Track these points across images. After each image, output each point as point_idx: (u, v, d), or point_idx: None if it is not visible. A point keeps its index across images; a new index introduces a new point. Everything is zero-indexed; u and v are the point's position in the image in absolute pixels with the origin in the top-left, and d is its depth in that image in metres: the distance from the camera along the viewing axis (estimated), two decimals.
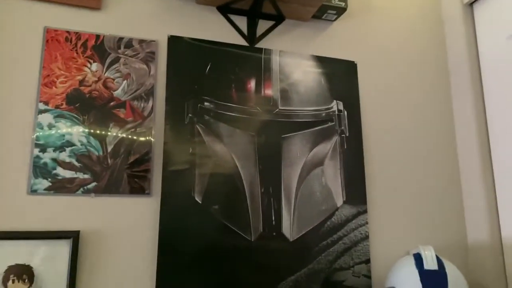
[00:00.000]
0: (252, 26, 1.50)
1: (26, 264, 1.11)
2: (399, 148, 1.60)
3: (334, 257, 1.40)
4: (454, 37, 1.74)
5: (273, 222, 1.35)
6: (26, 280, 1.10)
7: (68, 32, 1.29)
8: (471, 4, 1.71)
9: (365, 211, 1.47)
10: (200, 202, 1.29)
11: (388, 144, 1.59)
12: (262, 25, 1.52)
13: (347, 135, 1.51)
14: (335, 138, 1.49)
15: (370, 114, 1.59)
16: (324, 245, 1.39)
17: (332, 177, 1.46)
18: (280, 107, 1.45)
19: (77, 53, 1.29)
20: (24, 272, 1.11)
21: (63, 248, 1.15)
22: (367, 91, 1.61)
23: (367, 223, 1.47)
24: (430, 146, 1.65)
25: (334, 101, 1.53)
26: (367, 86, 1.61)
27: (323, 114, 1.50)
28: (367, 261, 1.43)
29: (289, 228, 1.36)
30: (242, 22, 1.50)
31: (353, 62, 1.61)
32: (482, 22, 1.66)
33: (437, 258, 1.32)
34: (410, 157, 1.61)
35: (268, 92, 1.46)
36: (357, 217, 1.46)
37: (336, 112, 1.52)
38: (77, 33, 1.30)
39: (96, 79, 1.29)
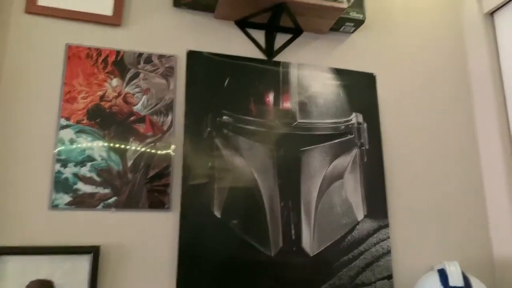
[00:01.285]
0: (270, 39, 1.50)
1: (48, 279, 1.12)
2: (421, 160, 1.58)
3: (355, 273, 1.37)
4: (475, 47, 1.71)
5: (293, 237, 1.33)
6: None
7: (89, 48, 1.31)
8: (491, 14, 1.68)
9: (387, 225, 1.45)
10: (219, 216, 1.28)
11: (409, 157, 1.56)
12: (280, 38, 1.52)
13: (367, 147, 1.49)
14: (355, 151, 1.48)
15: (390, 126, 1.57)
16: (345, 260, 1.37)
17: (352, 190, 1.44)
18: (299, 120, 1.44)
19: (97, 69, 1.30)
20: (45, 287, 1.11)
21: (84, 263, 1.15)
22: (386, 103, 1.59)
23: (389, 237, 1.44)
24: (452, 159, 1.62)
25: (354, 113, 1.52)
26: (386, 98, 1.59)
27: (342, 127, 1.49)
28: (389, 277, 1.40)
29: (309, 243, 1.34)
30: (260, 35, 1.51)
31: (371, 74, 1.59)
32: (503, 31, 1.63)
33: (463, 274, 1.28)
34: (432, 170, 1.58)
35: (287, 105, 1.45)
36: (379, 231, 1.43)
37: (356, 125, 1.50)
38: (97, 49, 1.32)
39: (116, 94, 1.30)
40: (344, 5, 1.41)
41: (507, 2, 1.60)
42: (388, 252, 1.42)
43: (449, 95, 1.69)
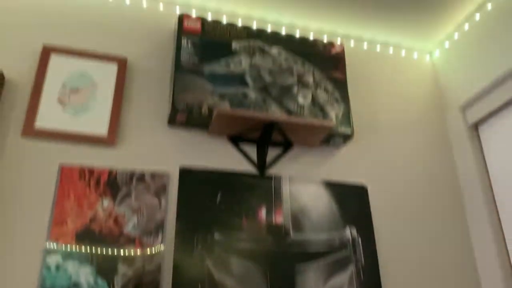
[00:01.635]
0: (261, 154, 1.53)
1: None
2: (420, 279, 1.53)
3: None
4: (462, 158, 1.75)
5: None
6: None
7: (82, 168, 1.32)
8: (476, 125, 1.75)
9: None
10: None
11: (407, 275, 1.52)
12: (272, 152, 1.55)
13: (363, 264, 1.46)
14: (351, 268, 1.44)
15: (385, 240, 1.55)
16: None
17: None
18: (292, 236, 1.42)
19: (89, 189, 1.30)
20: None
21: None
22: (379, 215, 1.58)
23: None
24: (450, 273, 1.57)
25: (347, 226, 1.50)
26: (379, 210, 1.59)
27: (337, 242, 1.46)
28: None
29: None
30: (252, 150, 1.54)
31: (363, 186, 1.61)
32: (488, 142, 1.69)
33: None
34: (431, 286, 1.53)
35: (279, 219, 1.44)
36: None
37: (350, 239, 1.48)
38: (91, 169, 1.33)
39: (107, 215, 1.29)
40: (332, 123, 1.47)
41: (490, 115, 1.67)
42: None
43: (441, 202, 1.70)
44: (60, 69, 1.41)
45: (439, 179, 1.75)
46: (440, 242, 1.62)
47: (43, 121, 1.34)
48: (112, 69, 1.47)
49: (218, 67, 1.52)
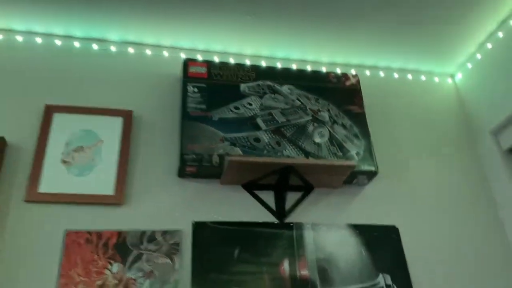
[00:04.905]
0: (280, 200, 1.42)
1: None
2: None
3: None
4: (499, 185, 1.60)
5: None
6: None
7: (89, 233, 1.24)
8: (510, 150, 1.61)
9: None
10: None
11: None
12: (291, 197, 1.44)
13: None
14: None
15: (423, 284, 1.39)
16: None
17: None
18: None
19: (97, 254, 1.22)
20: None
21: None
22: (415, 258, 1.43)
23: None
24: None
25: (380, 274, 1.36)
26: (414, 253, 1.44)
27: None
28: None
29: None
30: (269, 196, 1.43)
31: (393, 226, 1.47)
32: None
33: None
34: None
35: (304, 273, 1.32)
36: None
37: None
38: (98, 232, 1.25)
39: (117, 281, 1.19)
40: (354, 162, 1.36)
41: None
42: None
43: (480, 235, 1.54)
44: (63, 128, 1.36)
45: (477, 210, 1.59)
46: (485, 284, 1.45)
47: (47, 184, 1.27)
48: (117, 124, 1.40)
49: (227, 112, 1.45)
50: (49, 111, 1.37)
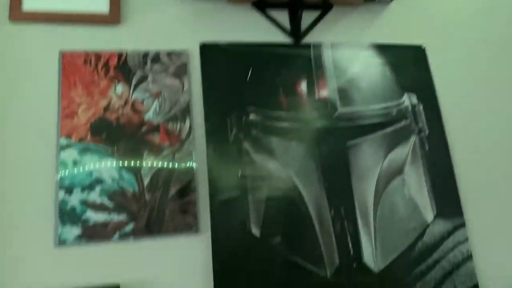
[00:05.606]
0: (295, 19, 1.28)
1: None
2: (494, 139, 1.30)
3: (432, 287, 1.11)
4: None
5: (351, 251, 1.08)
6: None
7: (86, 53, 1.12)
8: None
9: (463, 225, 1.18)
10: (258, 235, 1.05)
11: (479, 137, 1.29)
12: (307, 17, 1.29)
13: (427, 133, 1.23)
14: (413, 139, 1.22)
15: (451, 104, 1.30)
16: (418, 272, 1.11)
17: (416, 186, 1.18)
18: (340, 110, 1.20)
19: (98, 75, 1.11)
20: None
21: None
22: (442, 77, 1.32)
23: (467, 239, 1.17)
24: None
25: (405, 94, 1.26)
26: (441, 72, 1.33)
27: (394, 112, 1.24)
28: (476, 286, 1.13)
29: (372, 257, 1.09)
30: (283, 16, 1.28)
31: (420, 46, 1.34)
32: None
33: None
34: (510, 149, 1.30)
35: (324, 93, 1.22)
36: (454, 233, 1.17)
37: (410, 107, 1.25)
38: (96, 53, 1.13)
39: (123, 103, 1.11)
40: None
41: None
42: (470, 257, 1.16)
43: None
44: None
45: (509, 31, 1.44)
46: None
47: (31, 1, 1.12)
48: None
49: None
50: None
